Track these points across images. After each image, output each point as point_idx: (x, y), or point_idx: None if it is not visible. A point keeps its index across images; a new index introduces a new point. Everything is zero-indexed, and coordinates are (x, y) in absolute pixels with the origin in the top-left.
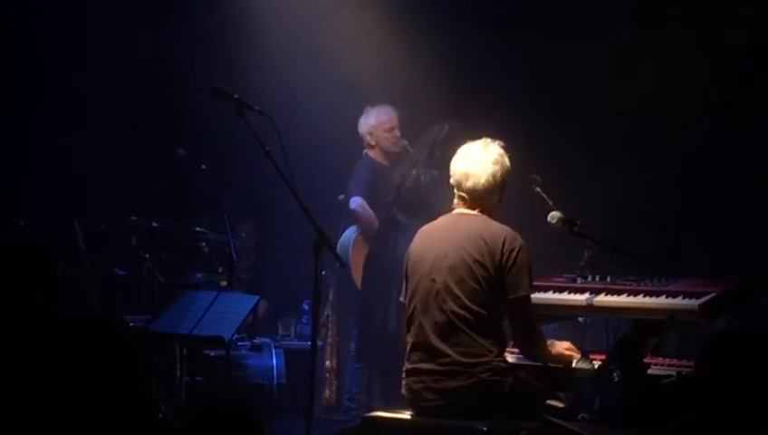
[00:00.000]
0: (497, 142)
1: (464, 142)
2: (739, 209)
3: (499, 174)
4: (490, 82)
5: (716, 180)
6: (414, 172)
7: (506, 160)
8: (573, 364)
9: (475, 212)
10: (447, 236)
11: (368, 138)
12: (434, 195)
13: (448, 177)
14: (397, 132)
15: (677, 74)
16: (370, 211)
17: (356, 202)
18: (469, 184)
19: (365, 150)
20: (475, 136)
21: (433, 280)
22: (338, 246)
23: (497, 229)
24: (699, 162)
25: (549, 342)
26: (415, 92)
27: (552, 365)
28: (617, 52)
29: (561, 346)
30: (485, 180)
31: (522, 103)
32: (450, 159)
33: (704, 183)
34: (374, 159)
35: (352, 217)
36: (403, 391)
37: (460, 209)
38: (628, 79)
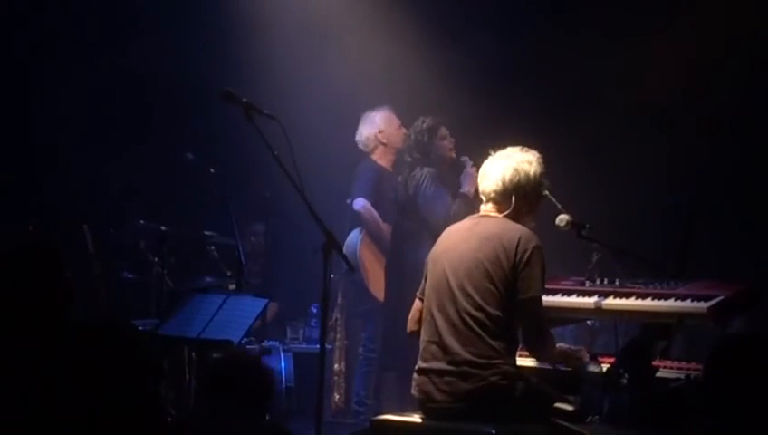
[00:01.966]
0: (529, 151)
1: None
2: (748, 212)
3: (509, 177)
4: (497, 87)
5: (725, 182)
6: (400, 178)
7: (525, 167)
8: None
9: (497, 215)
10: (465, 238)
11: (378, 136)
12: (423, 195)
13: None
14: (404, 129)
15: (684, 77)
16: (375, 212)
17: (360, 204)
18: (481, 184)
19: (369, 155)
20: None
21: (448, 281)
22: (344, 249)
23: (513, 230)
24: (708, 164)
25: (560, 345)
26: (425, 96)
27: (562, 368)
28: (622, 55)
29: (572, 352)
30: (494, 182)
31: (529, 108)
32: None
33: (712, 185)
34: (377, 162)
35: (357, 220)
36: (413, 391)
37: (483, 212)
38: (634, 82)
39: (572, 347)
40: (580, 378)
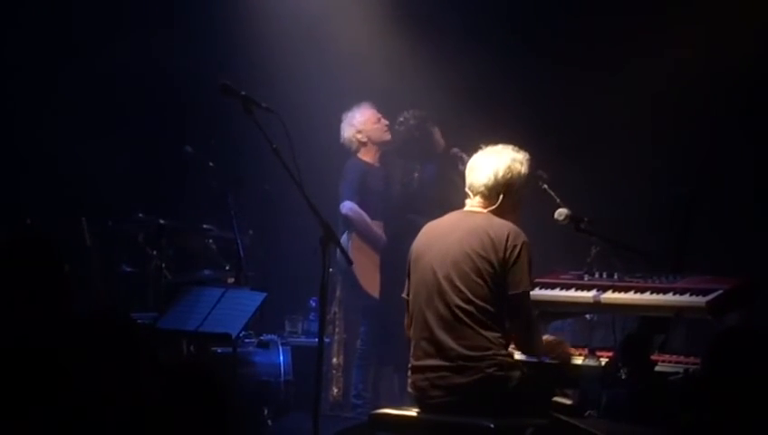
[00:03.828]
0: (520, 151)
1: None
2: (746, 206)
3: (501, 173)
4: (497, 81)
5: (723, 177)
6: (409, 170)
7: (517, 166)
8: (580, 362)
9: (482, 210)
10: (451, 232)
11: (358, 136)
12: (439, 188)
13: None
14: (385, 121)
15: (684, 72)
16: (362, 212)
17: (347, 206)
18: (470, 177)
19: (355, 154)
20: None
21: (435, 274)
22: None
23: (500, 225)
24: (706, 159)
25: (547, 337)
26: (420, 92)
27: (558, 362)
28: (621, 50)
29: (561, 346)
30: (485, 176)
31: (528, 102)
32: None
33: (711, 180)
34: (363, 159)
35: (345, 222)
36: (409, 388)
37: (468, 207)
38: (633, 76)
39: (555, 338)
40: (577, 371)
